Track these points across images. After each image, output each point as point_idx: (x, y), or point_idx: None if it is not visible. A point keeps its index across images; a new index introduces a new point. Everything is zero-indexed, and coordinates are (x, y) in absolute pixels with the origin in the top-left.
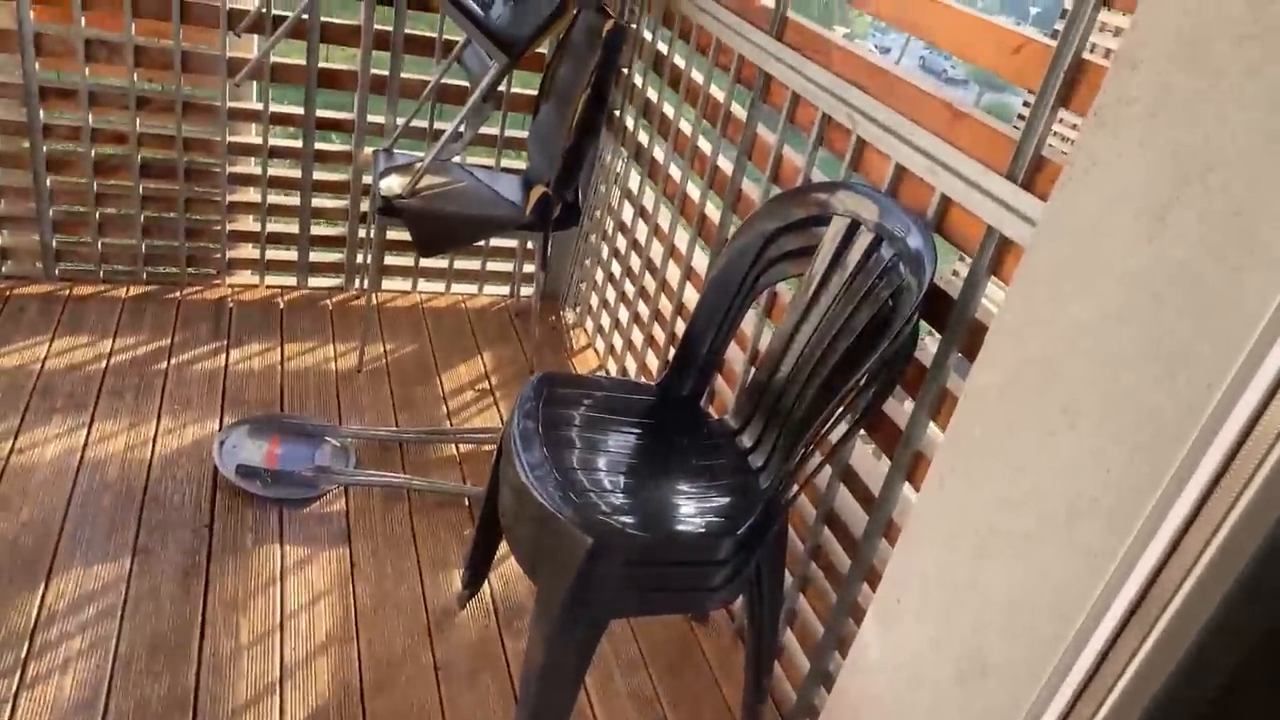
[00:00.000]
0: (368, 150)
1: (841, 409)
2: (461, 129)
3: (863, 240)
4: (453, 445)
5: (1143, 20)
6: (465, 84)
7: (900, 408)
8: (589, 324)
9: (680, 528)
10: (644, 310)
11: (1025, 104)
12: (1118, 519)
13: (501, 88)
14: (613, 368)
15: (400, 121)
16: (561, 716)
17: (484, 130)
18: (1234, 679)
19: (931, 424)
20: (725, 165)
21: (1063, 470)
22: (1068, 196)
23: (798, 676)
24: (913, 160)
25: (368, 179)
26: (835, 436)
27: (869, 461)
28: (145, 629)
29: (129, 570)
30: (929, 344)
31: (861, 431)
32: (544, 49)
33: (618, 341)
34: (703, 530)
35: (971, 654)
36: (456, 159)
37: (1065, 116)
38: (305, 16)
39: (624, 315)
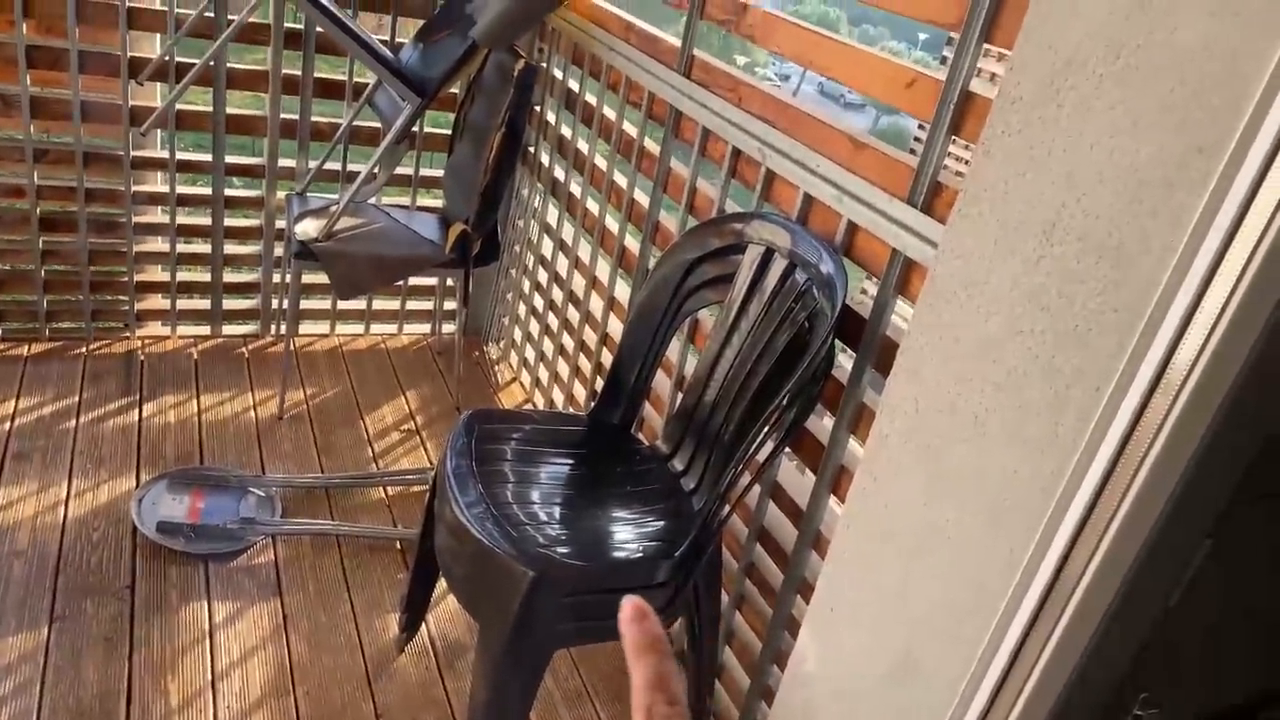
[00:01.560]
0: (280, 195)
1: (766, 428)
2: (376, 170)
3: (778, 267)
4: (381, 488)
5: (1018, 59)
6: (377, 125)
7: (821, 424)
8: (513, 358)
9: (618, 554)
10: (568, 342)
11: (921, 126)
12: (1027, 518)
13: (414, 128)
14: (539, 401)
15: (312, 165)
16: None
17: (398, 170)
18: (1135, 659)
19: (852, 438)
20: (641, 198)
21: (976, 476)
22: (964, 221)
23: (739, 693)
24: (820, 189)
25: (281, 223)
26: (762, 455)
27: (795, 477)
28: (68, 699)
29: (46, 640)
30: (845, 362)
31: (787, 449)
32: (456, 89)
33: (544, 374)
34: (640, 555)
35: (902, 657)
36: (371, 200)
37: (957, 140)
38: (211, 63)
39: (549, 348)
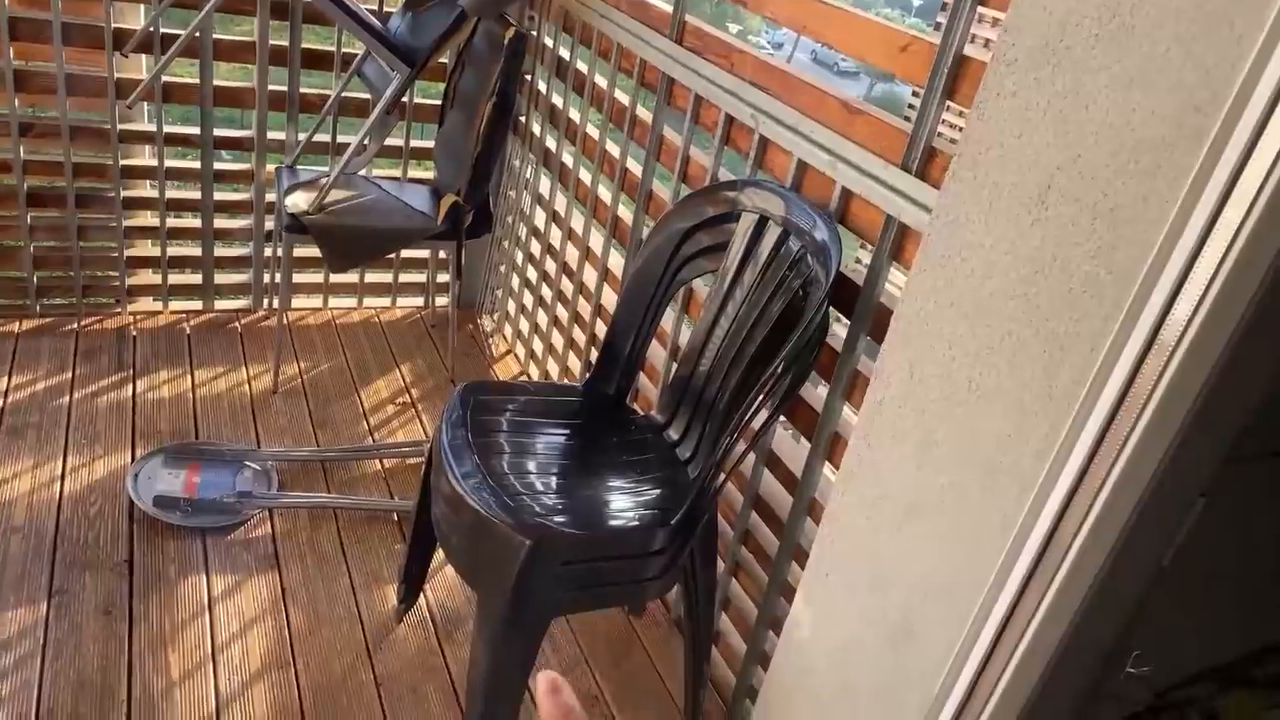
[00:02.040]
0: (270, 168)
1: (761, 396)
2: (366, 142)
3: (771, 234)
4: (377, 460)
5: (1013, 21)
6: (367, 96)
7: (816, 392)
8: (508, 330)
9: (615, 522)
10: (563, 313)
11: (915, 94)
12: (1021, 480)
13: (404, 99)
14: (535, 373)
15: (302, 137)
16: None
17: (389, 142)
18: (1128, 618)
19: (846, 405)
20: (634, 167)
21: (970, 439)
22: (958, 185)
23: (735, 659)
24: (814, 156)
25: (271, 197)
26: (757, 423)
27: (790, 445)
28: (69, 673)
29: (45, 615)
30: (839, 330)
31: (782, 417)
32: (445, 58)
33: (538, 346)
34: (637, 523)
35: (897, 620)
36: (362, 172)
37: (952, 106)
38: (197, 34)
39: (543, 319)
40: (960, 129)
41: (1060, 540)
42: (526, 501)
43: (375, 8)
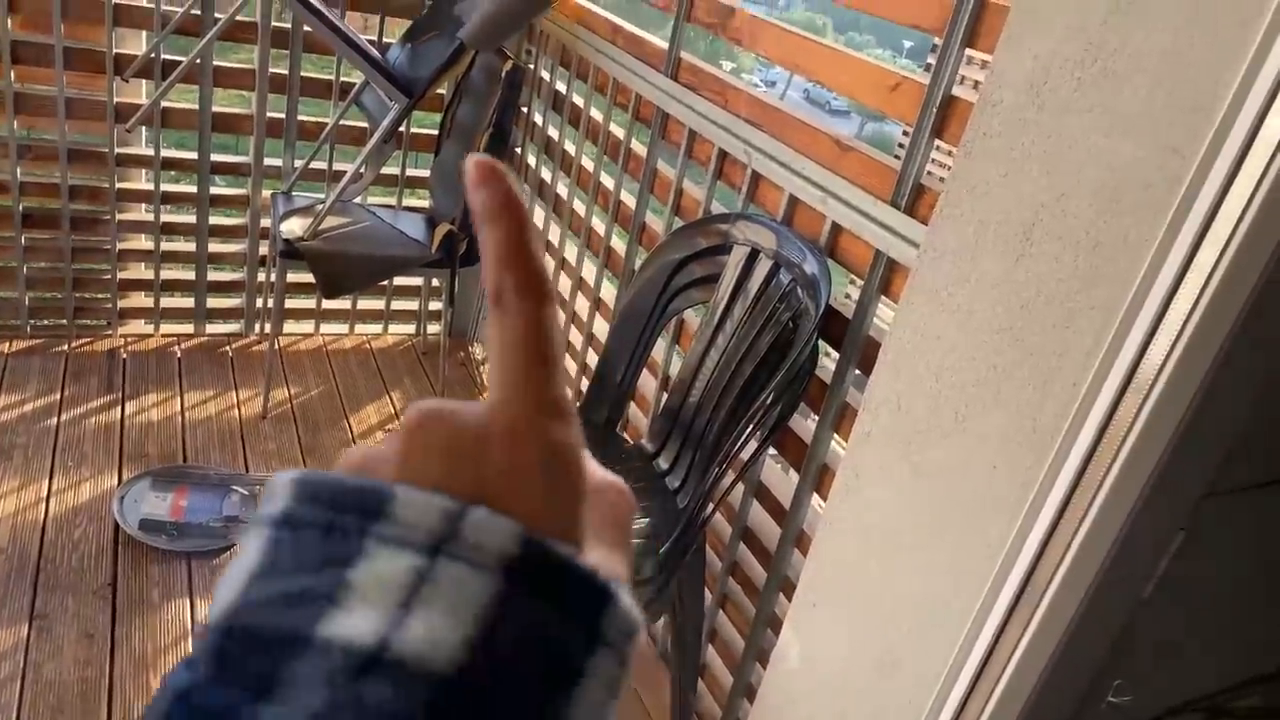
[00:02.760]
0: (266, 193)
1: (750, 427)
2: (362, 170)
3: (762, 267)
4: None
5: (998, 63)
6: (364, 125)
7: (806, 424)
8: None
9: None
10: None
11: (905, 133)
12: (1005, 513)
13: (401, 128)
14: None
15: (298, 164)
16: None
17: (385, 170)
18: (1110, 648)
19: (835, 437)
20: (628, 199)
21: (956, 472)
22: (946, 222)
23: (721, 692)
24: (805, 191)
25: (266, 222)
26: (746, 454)
27: (779, 477)
28: (48, 697)
29: (26, 638)
30: (828, 363)
31: (771, 449)
32: (443, 89)
33: None
34: None
35: (884, 651)
36: (357, 200)
37: (940, 145)
38: (198, 61)
39: None
40: (948, 167)
41: (1043, 571)
42: None
43: (375, 38)
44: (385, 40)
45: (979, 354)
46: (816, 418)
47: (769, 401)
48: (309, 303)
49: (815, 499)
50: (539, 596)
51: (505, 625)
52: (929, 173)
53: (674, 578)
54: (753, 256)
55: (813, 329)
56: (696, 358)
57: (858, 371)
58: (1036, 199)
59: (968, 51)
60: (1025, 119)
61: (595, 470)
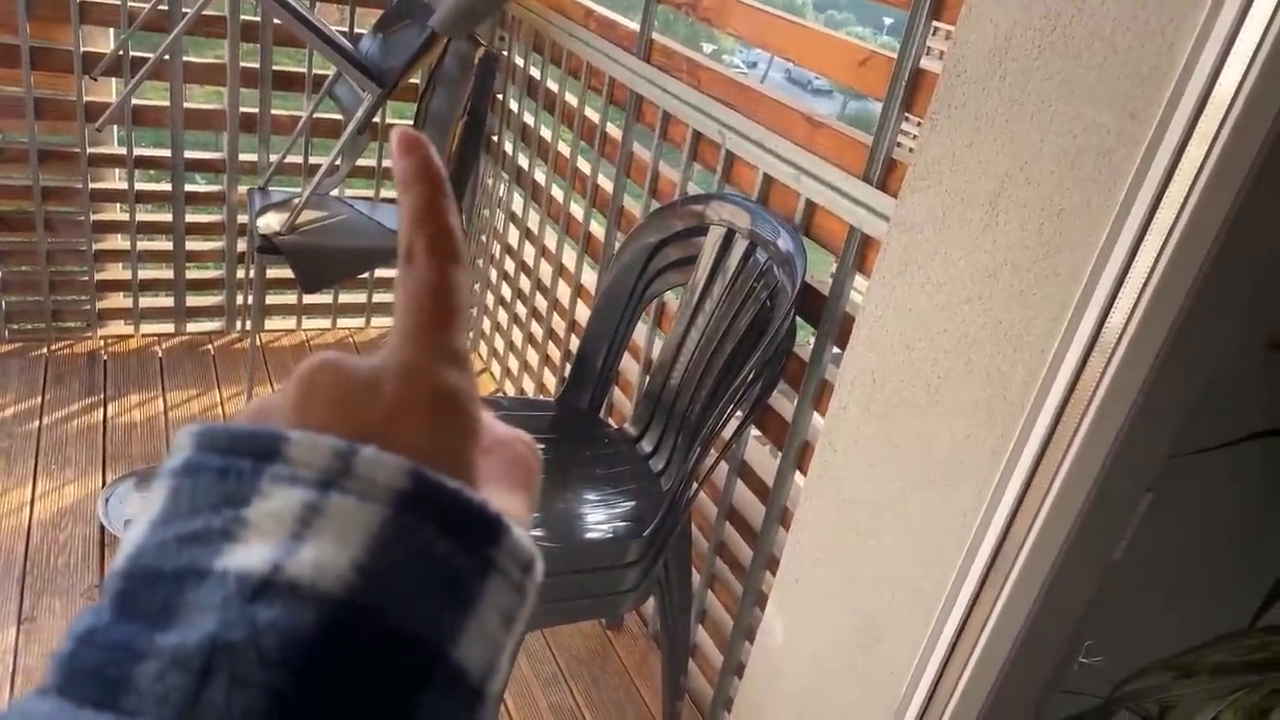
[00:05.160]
0: (242, 189)
1: (731, 407)
2: (338, 162)
3: (739, 247)
4: None
5: (962, 33)
6: (338, 117)
7: (787, 402)
8: (483, 349)
9: (588, 535)
10: (537, 330)
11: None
12: (978, 480)
13: (376, 118)
14: (510, 390)
15: (274, 158)
16: None
17: (361, 162)
18: (1084, 612)
19: (815, 414)
20: (605, 183)
21: (930, 441)
22: (913, 195)
23: (712, 671)
24: (779, 169)
25: (243, 218)
26: (728, 433)
27: (762, 456)
28: None
29: (15, 642)
30: (808, 340)
31: (754, 428)
32: (416, 78)
33: (513, 364)
34: (610, 535)
35: (865, 621)
36: (334, 192)
37: (911, 118)
38: (167, 57)
39: (518, 337)
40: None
41: (1015, 537)
42: None
43: (346, 29)
44: (357, 30)
45: (949, 324)
46: (797, 395)
47: (749, 380)
48: (290, 298)
49: (798, 476)
50: (427, 523)
51: (393, 549)
52: (900, 146)
53: (660, 558)
54: (729, 237)
55: (789, 306)
56: (676, 340)
57: (836, 349)
58: (1001, 168)
59: (935, 24)
60: (988, 88)
61: (497, 423)
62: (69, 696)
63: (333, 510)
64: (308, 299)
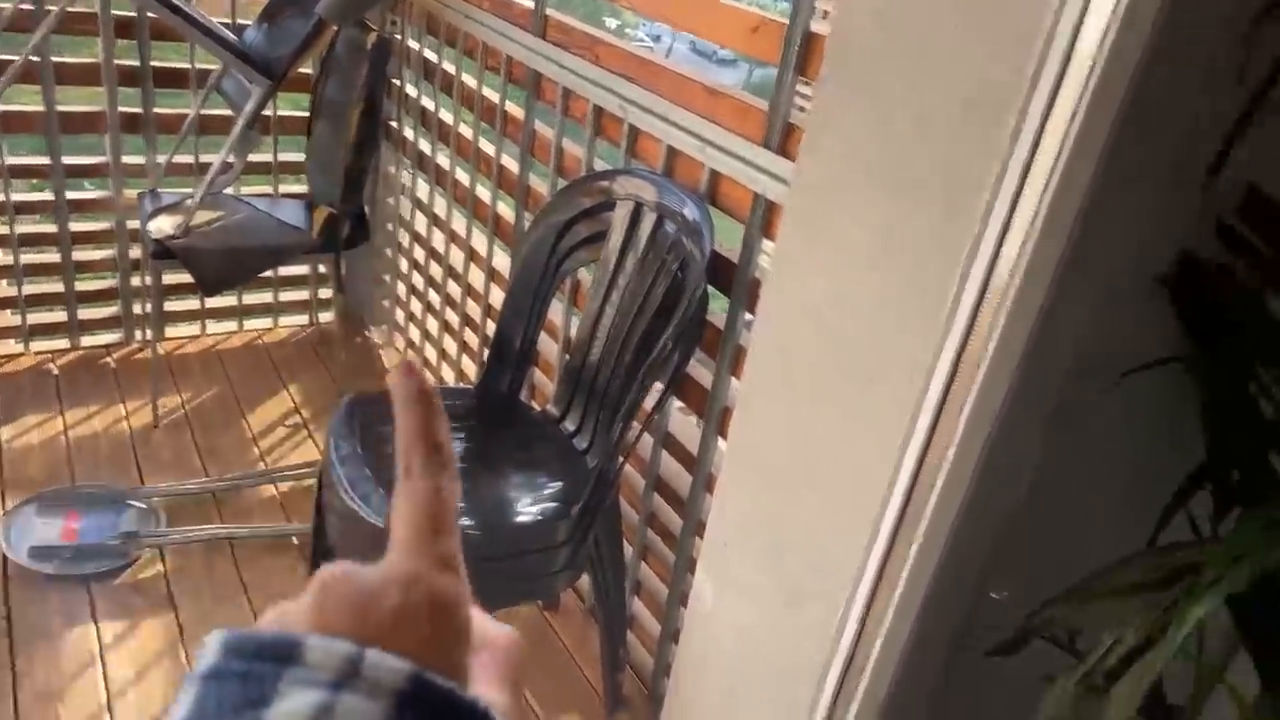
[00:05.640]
0: (131, 193)
1: (650, 379)
2: (230, 159)
3: (648, 220)
4: (271, 486)
5: None
6: (228, 113)
7: (706, 371)
8: (398, 340)
9: (516, 519)
10: (453, 318)
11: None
12: (885, 433)
13: (268, 112)
14: (430, 380)
15: (161, 160)
16: None
17: (257, 158)
18: (994, 549)
19: (734, 380)
20: (510, 164)
21: (838, 398)
22: (808, 156)
23: (651, 640)
24: (682, 141)
25: (135, 224)
26: (649, 405)
27: (686, 425)
28: None
29: None
30: (722, 309)
31: (676, 399)
32: (309, 68)
33: (431, 353)
34: (538, 517)
35: (792, 581)
36: (229, 191)
37: (807, 81)
38: (35, 59)
39: (433, 326)
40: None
41: (924, 483)
42: None
43: (228, 20)
44: (241, 21)
45: (851, 281)
46: (715, 363)
47: (665, 352)
48: (192, 303)
49: (720, 442)
50: (429, 712)
51: None
52: (801, 110)
53: (590, 535)
54: (637, 211)
55: (700, 276)
56: (592, 317)
57: (749, 315)
58: (890, 127)
59: None
60: (873, 47)
61: (486, 621)
62: None
63: (342, 709)
64: (211, 302)
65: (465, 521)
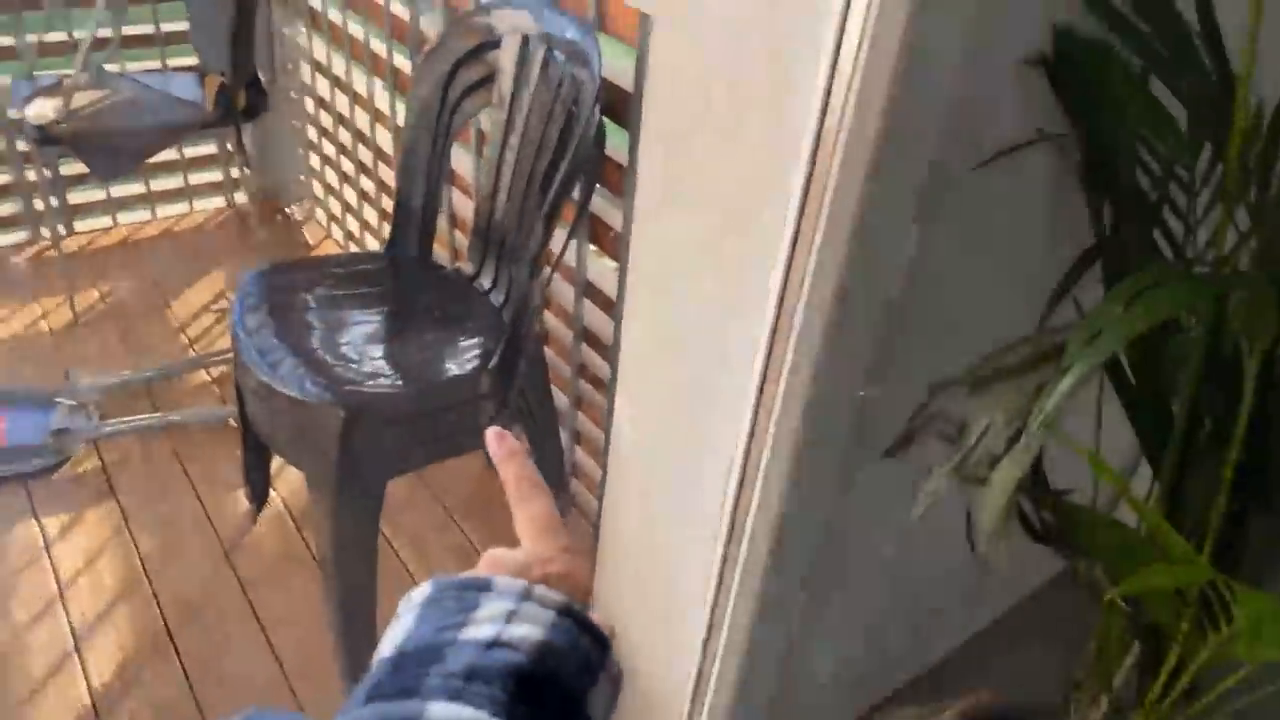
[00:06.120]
0: (3, 78)
1: (552, 220)
2: (106, 33)
3: (535, 53)
4: (203, 371)
5: None
6: None
7: (615, 211)
8: (320, 214)
9: (435, 375)
10: (368, 184)
11: None
12: (764, 242)
13: None
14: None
15: (31, 39)
16: (367, 588)
17: (139, 30)
18: (871, 360)
19: None
20: (401, 10)
21: (716, 198)
22: None
23: (594, 487)
24: None
25: (13, 112)
26: (559, 248)
27: (605, 271)
28: None
29: None
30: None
31: (591, 245)
32: None
33: (353, 224)
34: (460, 372)
35: (696, 388)
36: (114, 67)
37: None
38: None
39: (351, 195)
40: None
41: (794, 284)
42: (339, 373)
43: None
44: None
45: (722, 68)
46: (621, 200)
47: (560, 189)
48: (99, 194)
49: None
50: (574, 625)
51: (559, 636)
52: None
53: (513, 386)
54: (525, 45)
55: (590, 105)
56: (493, 165)
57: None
58: None
59: None
60: None
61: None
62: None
63: (524, 612)
64: (120, 192)
65: (376, 382)
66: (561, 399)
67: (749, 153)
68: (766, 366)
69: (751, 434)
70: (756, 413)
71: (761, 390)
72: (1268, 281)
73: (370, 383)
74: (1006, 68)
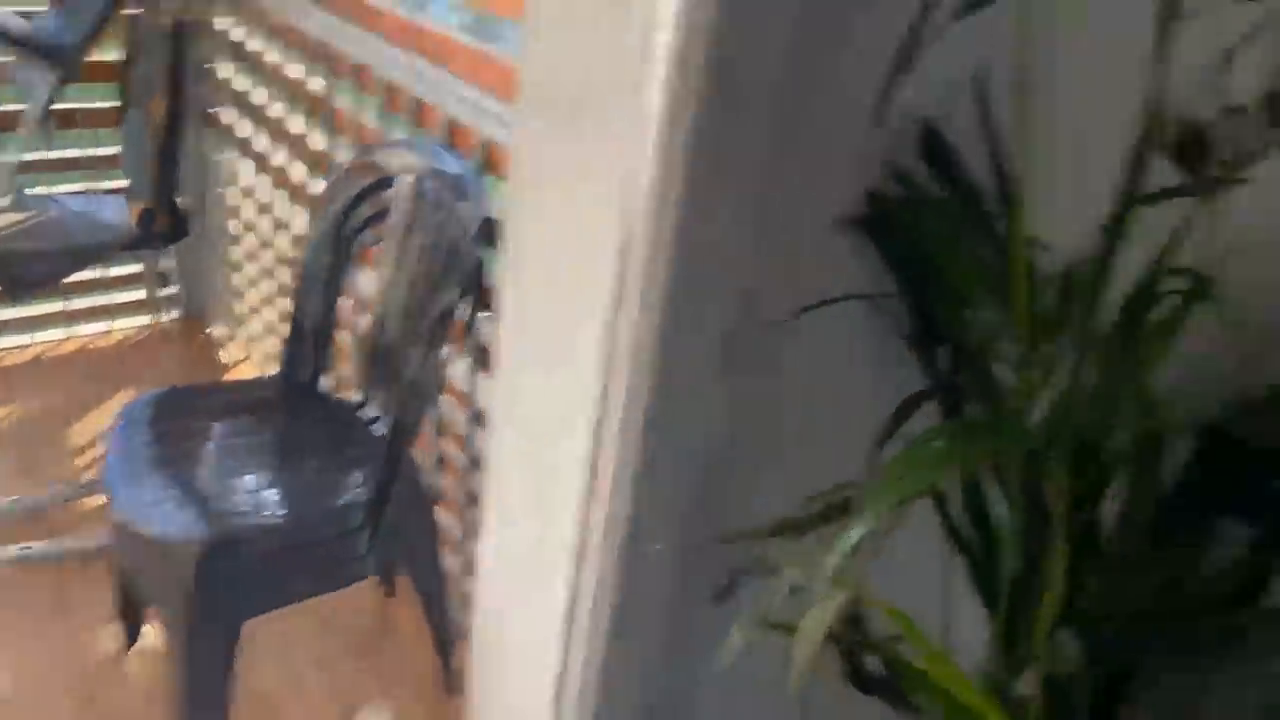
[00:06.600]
0: None
1: (433, 349)
2: (25, 158)
3: (424, 190)
4: (99, 497)
5: None
6: (24, 106)
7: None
8: (241, 335)
9: (306, 508)
10: (288, 306)
11: None
12: (581, 393)
13: (76, 105)
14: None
15: None
16: None
17: (70, 153)
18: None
19: None
20: (320, 141)
21: (542, 366)
22: (520, 103)
23: None
24: (459, 109)
25: None
26: (456, 380)
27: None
28: None
29: None
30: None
31: (485, 372)
32: (117, 56)
33: (272, 346)
34: (331, 503)
35: (535, 537)
36: (38, 190)
37: None
38: None
39: (272, 316)
40: None
41: (605, 435)
42: (208, 505)
43: (21, 8)
44: (35, 8)
45: (567, 230)
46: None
47: (439, 319)
48: (14, 312)
49: None
50: None
51: None
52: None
53: (387, 517)
54: (413, 183)
55: (474, 236)
56: (381, 297)
57: None
58: (590, 78)
59: None
60: None
61: None
62: None
63: None
64: (38, 310)
65: (246, 515)
66: (456, 525)
67: (568, 309)
68: (585, 525)
69: (574, 598)
70: (579, 572)
71: (584, 545)
72: (1018, 434)
73: (237, 516)
74: (824, 227)
